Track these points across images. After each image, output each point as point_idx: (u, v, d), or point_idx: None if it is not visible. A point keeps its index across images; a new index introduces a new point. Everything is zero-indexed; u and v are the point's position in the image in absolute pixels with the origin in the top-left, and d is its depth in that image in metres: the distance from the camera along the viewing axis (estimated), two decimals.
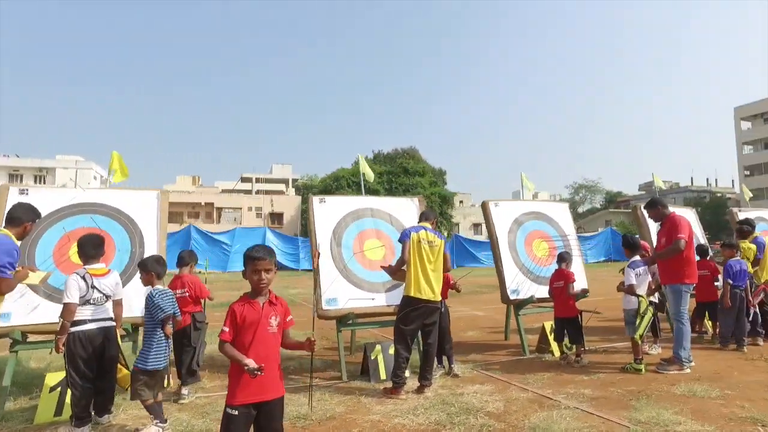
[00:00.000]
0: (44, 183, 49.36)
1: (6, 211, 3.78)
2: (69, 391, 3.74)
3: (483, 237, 36.78)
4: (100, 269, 3.80)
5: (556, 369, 5.45)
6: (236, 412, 2.52)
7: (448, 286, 5.46)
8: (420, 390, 4.61)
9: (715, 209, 46.62)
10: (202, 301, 4.90)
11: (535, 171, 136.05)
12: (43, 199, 4.78)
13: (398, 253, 4.87)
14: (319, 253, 4.37)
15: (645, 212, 6.29)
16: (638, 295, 5.30)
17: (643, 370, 5.14)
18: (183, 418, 4.02)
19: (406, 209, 6.21)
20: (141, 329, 4.25)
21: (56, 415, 4.02)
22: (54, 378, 4.18)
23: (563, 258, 5.94)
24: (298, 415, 4.00)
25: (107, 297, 3.80)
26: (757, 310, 6.58)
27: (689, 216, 7.76)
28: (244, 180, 63.47)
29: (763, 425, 3.59)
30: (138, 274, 4.12)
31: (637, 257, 5.58)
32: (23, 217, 3.64)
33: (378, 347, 5.31)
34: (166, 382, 4.07)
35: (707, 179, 74.48)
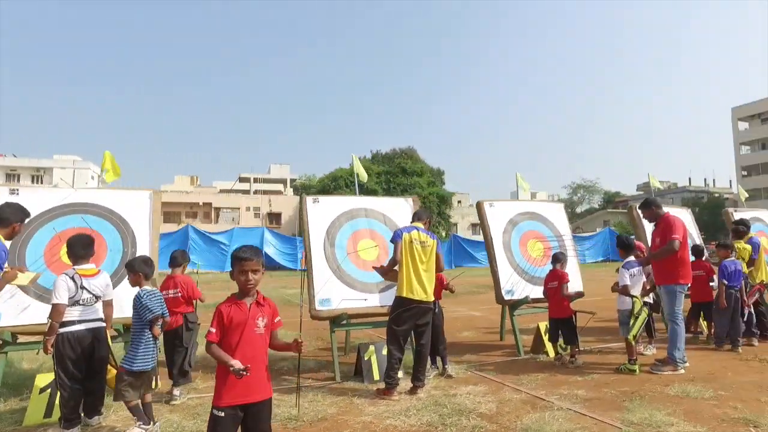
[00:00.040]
0: (41, 183, 49.22)
1: None
2: (58, 393, 3.71)
3: (481, 237, 36.70)
4: (89, 269, 3.78)
5: (550, 370, 5.43)
6: (223, 414, 2.51)
7: (442, 286, 5.44)
8: (413, 391, 4.59)
9: (712, 209, 46.70)
10: (194, 301, 4.87)
11: (534, 171, 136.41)
12: (34, 199, 4.75)
13: (391, 253, 4.85)
14: (306, 253, 4.34)
15: (639, 212, 6.28)
16: (632, 296, 5.29)
17: (638, 370, 5.13)
18: (174, 420, 3.99)
19: (400, 209, 6.18)
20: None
21: (46, 416, 4.00)
22: (44, 379, 4.15)
23: (558, 258, 5.92)
24: (289, 417, 3.97)
25: (97, 298, 3.77)
26: (752, 310, 6.57)
27: (684, 216, 7.77)
28: (242, 180, 63.41)
29: (755, 426, 3.58)
30: None
31: (632, 258, 5.57)
32: (11, 218, 3.61)
33: (372, 348, 5.29)
34: (154, 383, 4.04)
35: (705, 179, 74.77)
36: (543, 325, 6.20)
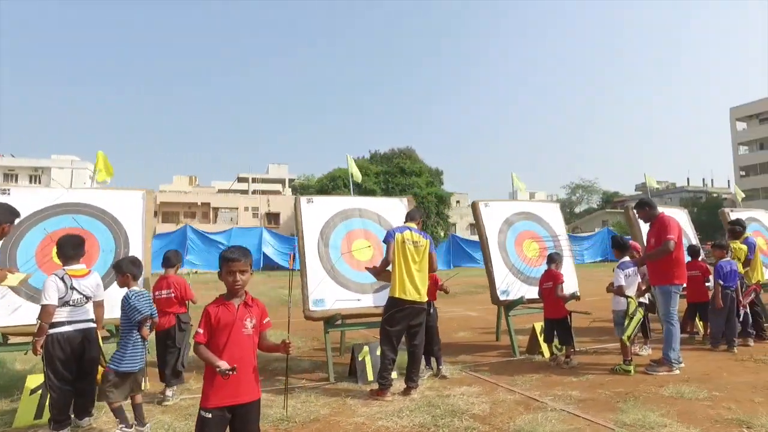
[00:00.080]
0: (39, 183, 49.14)
1: None
2: (48, 394, 3.68)
3: None
4: (80, 270, 3.75)
5: (545, 370, 5.41)
6: (210, 415, 2.48)
7: (436, 287, 5.42)
8: (406, 392, 4.57)
9: (711, 209, 46.69)
10: (187, 302, 4.85)
11: (534, 171, 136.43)
12: (26, 200, 4.73)
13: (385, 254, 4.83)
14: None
15: (634, 213, 6.27)
16: (627, 296, 5.27)
17: (633, 371, 5.11)
18: (166, 420, 3.97)
19: (395, 209, 6.16)
20: None
21: (36, 418, 3.97)
22: (35, 380, 4.12)
23: (553, 259, 5.90)
24: (281, 418, 3.95)
25: (87, 298, 3.75)
26: (748, 310, 6.56)
27: (679, 216, 7.75)
28: (240, 180, 63.33)
29: (748, 427, 3.57)
30: None
31: (627, 258, 5.56)
32: (0, 218, 3.58)
33: (366, 348, 5.27)
34: (144, 384, 4.02)
35: (703, 180, 74.79)
36: (538, 326, 6.18)
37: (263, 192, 53.76)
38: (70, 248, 3.73)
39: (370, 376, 5.06)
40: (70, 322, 3.62)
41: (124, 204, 5.20)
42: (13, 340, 4.71)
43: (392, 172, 41.45)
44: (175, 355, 4.65)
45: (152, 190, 5.52)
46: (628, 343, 5.22)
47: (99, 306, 3.88)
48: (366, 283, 5.52)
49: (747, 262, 6.89)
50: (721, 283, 6.28)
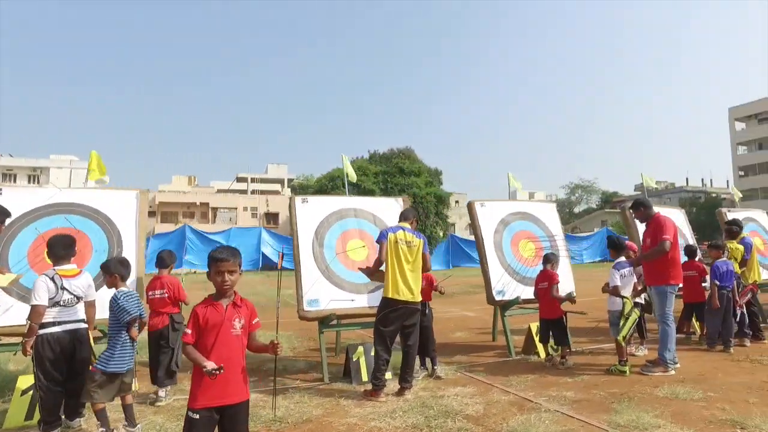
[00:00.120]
0: (38, 183, 49.06)
1: None
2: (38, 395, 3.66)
3: None
4: (70, 270, 3.73)
5: (540, 371, 5.40)
6: (197, 416, 2.46)
7: (431, 287, 5.40)
8: (400, 392, 4.55)
9: (710, 210, 46.67)
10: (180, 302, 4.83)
11: (534, 171, 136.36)
12: (18, 199, 4.71)
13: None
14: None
15: (630, 213, 6.26)
16: (623, 297, 5.25)
17: (628, 371, 5.09)
18: (158, 421, 3.95)
19: (390, 209, 6.13)
20: None
21: (27, 419, 3.95)
22: (26, 381, 4.10)
23: (549, 259, 5.88)
24: (274, 418, 3.93)
25: (78, 298, 3.72)
26: (745, 310, 6.54)
27: (677, 216, 7.74)
28: (239, 180, 63.27)
29: (741, 427, 3.55)
30: None
31: (623, 258, 5.54)
32: None
33: (360, 349, 5.25)
34: (134, 385, 4.00)
35: (702, 180, 74.78)
36: (534, 326, 6.16)
37: (262, 192, 53.70)
38: (61, 248, 3.71)
39: (365, 377, 5.04)
40: (59, 323, 3.60)
41: (118, 204, 5.18)
42: (5, 340, 4.68)
43: (391, 172, 41.36)
44: (168, 355, 4.62)
45: (146, 190, 5.50)
46: (623, 344, 5.20)
47: (91, 306, 3.86)
48: (361, 283, 5.50)
49: (743, 262, 6.87)
50: (718, 283, 6.26)
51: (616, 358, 5.37)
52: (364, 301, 5.50)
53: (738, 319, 6.38)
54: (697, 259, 7.04)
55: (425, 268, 4.77)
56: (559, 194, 72.66)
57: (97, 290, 4.03)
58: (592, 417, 3.85)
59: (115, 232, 5.01)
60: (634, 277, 5.53)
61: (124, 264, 3.88)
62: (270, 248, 28.34)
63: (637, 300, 5.64)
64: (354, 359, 5.16)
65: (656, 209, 5.71)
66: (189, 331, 2.53)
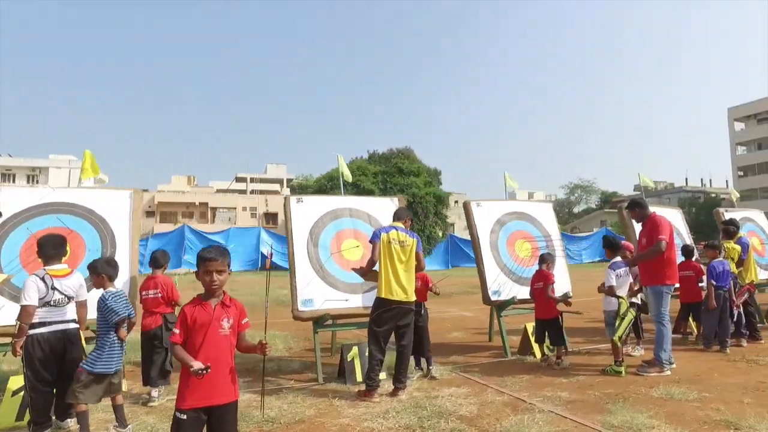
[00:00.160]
0: (37, 183, 49.01)
1: None
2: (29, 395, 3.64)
3: None
4: (61, 270, 3.70)
5: (536, 371, 5.37)
6: (185, 417, 2.45)
7: (426, 288, 5.38)
8: (394, 393, 4.53)
9: (709, 210, 46.63)
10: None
11: (534, 171, 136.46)
12: (11, 199, 4.68)
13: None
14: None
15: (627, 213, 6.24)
16: (618, 297, 5.24)
17: (624, 372, 5.07)
18: (149, 422, 3.93)
19: (385, 209, 6.10)
20: None
21: (18, 419, 3.93)
22: (17, 382, 4.08)
23: (544, 259, 5.86)
24: (266, 419, 3.91)
25: (69, 298, 3.70)
26: (741, 311, 6.52)
27: (673, 216, 7.72)
28: (238, 180, 63.28)
29: (736, 428, 3.53)
30: None
31: (618, 258, 5.52)
32: None
33: (355, 349, 5.23)
34: (125, 385, 3.98)
35: (701, 180, 74.73)
36: (530, 326, 6.14)
37: (261, 192, 53.72)
38: (51, 248, 3.68)
39: (359, 377, 5.02)
40: (50, 323, 3.57)
41: (112, 204, 5.15)
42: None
43: (390, 172, 41.31)
44: (162, 355, 4.60)
45: (140, 190, 5.47)
46: (619, 344, 5.18)
47: (82, 306, 3.83)
48: (355, 283, 5.48)
49: (740, 262, 6.85)
50: (714, 283, 6.24)
51: (611, 359, 5.35)
52: (359, 301, 5.48)
53: (735, 319, 6.36)
54: (693, 259, 7.03)
55: (419, 268, 4.75)
56: (558, 194, 72.72)
57: (89, 291, 4.00)
58: (586, 417, 3.83)
59: (108, 232, 4.98)
60: (630, 277, 5.51)
61: (112, 264, 3.85)
62: (270, 248, 28.30)
63: (633, 300, 5.62)
64: (348, 359, 5.14)
65: (652, 209, 5.69)
66: (177, 331, 2.52)
